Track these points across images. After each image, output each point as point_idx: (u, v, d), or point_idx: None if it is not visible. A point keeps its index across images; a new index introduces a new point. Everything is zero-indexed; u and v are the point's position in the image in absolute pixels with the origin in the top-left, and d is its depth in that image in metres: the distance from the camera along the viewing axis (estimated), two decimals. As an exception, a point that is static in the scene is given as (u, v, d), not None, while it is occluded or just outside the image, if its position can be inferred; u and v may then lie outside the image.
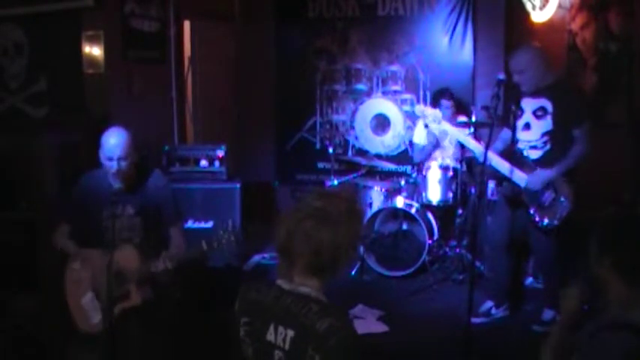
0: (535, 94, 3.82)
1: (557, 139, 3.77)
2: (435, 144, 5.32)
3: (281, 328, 1.66)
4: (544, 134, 3.81)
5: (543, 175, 3.74)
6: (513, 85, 3.87)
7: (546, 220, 3.77)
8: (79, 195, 3.16)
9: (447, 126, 4.10)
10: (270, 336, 1.67)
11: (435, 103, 5.29)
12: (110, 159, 2.98)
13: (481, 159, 3.68)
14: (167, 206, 3.20)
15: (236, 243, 2.81)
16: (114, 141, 3.00)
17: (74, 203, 3.17)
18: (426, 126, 4.23)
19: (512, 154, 3.92)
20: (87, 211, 3.09)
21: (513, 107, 3.90)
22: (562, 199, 3.73)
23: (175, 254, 2.96)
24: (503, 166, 3.87)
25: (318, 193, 1.78)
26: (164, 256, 2.91)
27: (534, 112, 3.83)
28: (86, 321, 3.00)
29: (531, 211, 3.81)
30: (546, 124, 3.80)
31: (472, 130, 4.78)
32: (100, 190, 3.04)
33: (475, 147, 3.97)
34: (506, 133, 4.02)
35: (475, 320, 3.80)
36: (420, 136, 5.50)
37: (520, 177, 3.83)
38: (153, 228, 3.14)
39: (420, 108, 4.20)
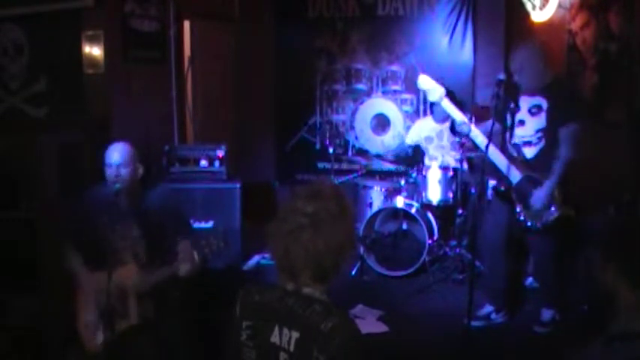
0: (533, 92, 3.82)
1: (551, 137, 3.78)
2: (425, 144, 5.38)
3: (285, 330, 1.64)
4: (538, 131, 3.82)
5: (543, 193, 3.72)
6: (513, 83, 3.87)
7: (529, 222, 3.78)
8: (82, 213, 3.13)
9: (447, 103, 4.02)
10: (274, 338, 1.66)
11: (432, 104, 5.31)
12: (109, 165, 2.97)
13: (473, 138, 3.76)
14: (172, 224, 3.13)
15: (225, 246, 2.80)
16: (114, 148, 3.02)
17: (77, 224, 3.14)
18: (432, 104, 4.20)
19: (506, 149, 3.93)
20: (90, 230, 3.06)
21: (512, 105, 3.89)
22: (552, 208, 3.74)
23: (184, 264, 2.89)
24: (501, 160, 3.86)
25: (305, 196, 1.71)
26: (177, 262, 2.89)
27: (529, 110, 3.84)
28: (91, 339, 2.99)
29: (517, 209, 3.82)
30: (540, 121, 3.80)
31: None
32: (104, 204, 3.02)
33: (477, 136, 3.92)
34: (495, 128, 3.98)
35: (474, 324, 3.78)
36: (412, 137, 5.53)
37: (514, 173, 3.84)
38: (158, 246, 3.10)
39: (424, 80, 4.07)
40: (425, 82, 4.07)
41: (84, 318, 3.02)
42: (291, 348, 1.63)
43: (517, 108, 3.88)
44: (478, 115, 4.74)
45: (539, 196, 3.74)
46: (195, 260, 2.80)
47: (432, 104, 5.32)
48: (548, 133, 3.78)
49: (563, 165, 3.70)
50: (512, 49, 4.01)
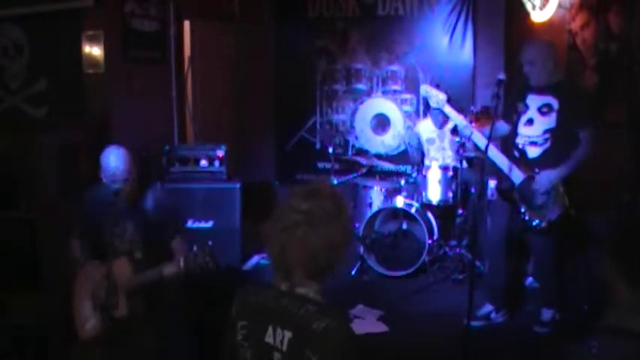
0: (541, 90, 3.81)
1: (559, 138, 3.76)
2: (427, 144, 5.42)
3: (279, 330, 1.65)
4: (546, 131, 3.80)
5: (551, 175, 3.72)
6: (522, 78, 3.85)
7: (535, 221, 3.78)
8: (83, 210, 3.16)
9: (449, 110, 4.05)
10: (268, 338, 1.66)
11: (430, 109, 5.33)
12: (114, 182, 2.97)
13: (475, 140, 3.80)
14: (169, 223, 3.14)
15: (212, 264, 2.79)
16: (114, 163, 2.98)
17: (81, 217, 3.17)
18: (429, 107, 4.23)
19: (508, 150, 3.92)
20: (91, 224, 3.09)
21: (520, 104, 3.88)
22: (553, 202, 3.73)
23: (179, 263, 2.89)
24: (502, 161, 3.86)
25: (301, 195, 1.71)
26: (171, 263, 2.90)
27: (539, 109, 3.82)
28: (82, 327, 3.02)
29: (522, 209, 3.82)
30: (550, 121, 3.79)
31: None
32: (103, 204, 3.03)
33: (478, 139, 3.93)
34: (501, 126, 3.98)
35: (474, 324, 3.78)
36: (425, 131, 5.51)
37: (516, 174, 3.83)
38: (154, 243, 3.10)
39: (425, 88, 4.14)
40: (427, 89, 4.13)
41: (78, 306, 3.03)
42: (284, 348, 1.63)
43: (526, 107, 3.87)
44: (481, 120, 4.77)
45: (542, 180, 3.72)
46: (180, 266, 2.79)
47: (430, 110, 5.33)
48: (557, 134, 3.76)
49: (579, 161, 3.71)
50: (523, 44, 4.00)
